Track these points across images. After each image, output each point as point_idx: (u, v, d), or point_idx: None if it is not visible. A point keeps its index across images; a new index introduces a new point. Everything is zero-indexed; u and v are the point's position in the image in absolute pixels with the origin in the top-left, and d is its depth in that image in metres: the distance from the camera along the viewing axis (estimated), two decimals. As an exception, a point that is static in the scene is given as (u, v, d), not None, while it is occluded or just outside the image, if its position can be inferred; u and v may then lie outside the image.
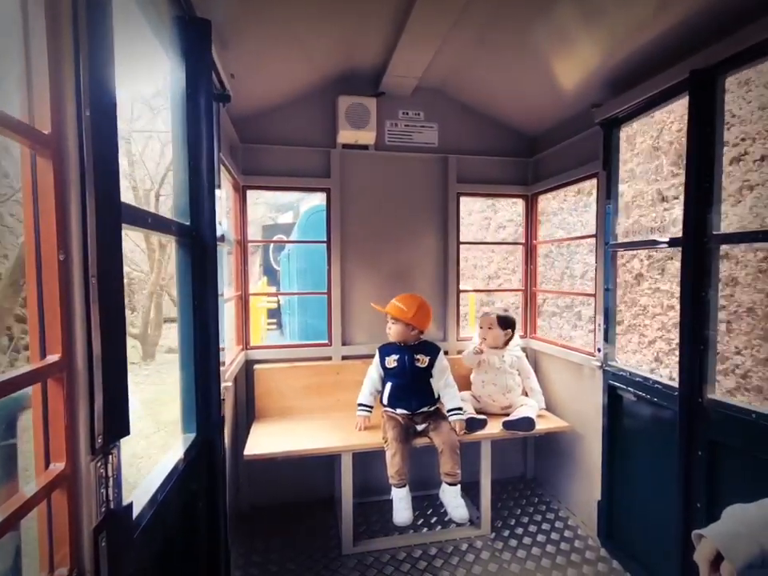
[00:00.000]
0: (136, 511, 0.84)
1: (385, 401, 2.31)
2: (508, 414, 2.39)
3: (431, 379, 2.33)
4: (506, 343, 2.53)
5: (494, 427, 2.31)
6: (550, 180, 2.67)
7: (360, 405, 2.35)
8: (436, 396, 2.33)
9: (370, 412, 2.33)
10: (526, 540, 2.32)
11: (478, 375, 2.52)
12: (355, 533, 2.27)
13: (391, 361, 2.32)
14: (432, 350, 2.37)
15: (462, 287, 2.91)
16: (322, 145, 2.62)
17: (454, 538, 2.34)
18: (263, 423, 2.45)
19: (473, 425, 2.27)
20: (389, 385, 2.32)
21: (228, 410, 2.27)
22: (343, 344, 2.69)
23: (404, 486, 2.09)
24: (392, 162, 2.72)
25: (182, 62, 1.36)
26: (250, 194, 2.63)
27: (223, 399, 1.68)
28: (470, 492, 2.52)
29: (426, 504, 2.65)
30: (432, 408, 2.32)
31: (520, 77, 2.28)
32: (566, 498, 2.62)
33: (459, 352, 2.82)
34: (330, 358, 2.69)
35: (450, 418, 2.29)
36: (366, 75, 2.50)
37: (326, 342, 2.72)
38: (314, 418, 2.49)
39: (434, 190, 2.79)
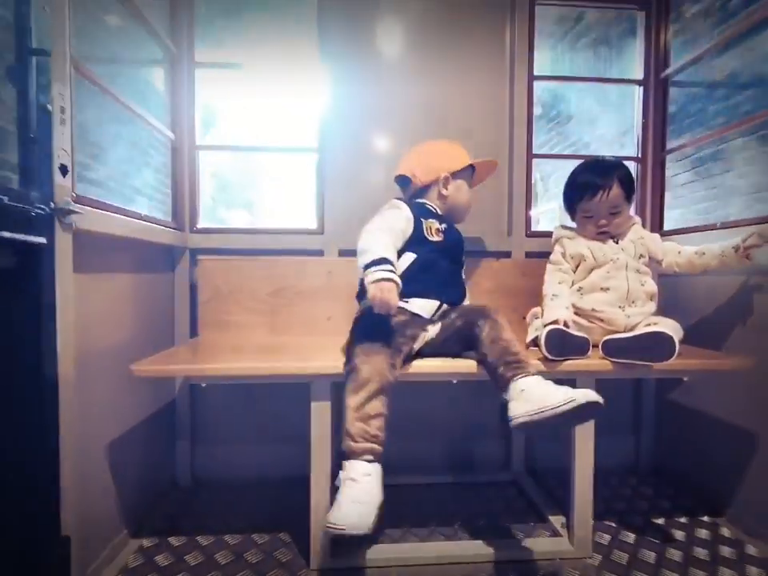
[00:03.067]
0: None
1: (401, 277, 1.12)
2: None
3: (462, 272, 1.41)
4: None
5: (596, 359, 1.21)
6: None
7: (376, 262, 1.06)
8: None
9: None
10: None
11: (568, 276, 1.40)
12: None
13: (434, 230, 1.30)
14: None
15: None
16: None
17: (523, 558, 1.26)
18: (204, 342, 1.52)
19: (559, 342, 1.17)
20: (412, 256, 1.25)
21: (134, 311, 1.34)
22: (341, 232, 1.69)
23: (377, 459, 1.00)
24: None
25: None
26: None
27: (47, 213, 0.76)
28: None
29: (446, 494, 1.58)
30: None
31: None
32: (734, 506, 1.44)
33: (529, 255, 1.74)
34: (321, 253, 1.70)
35: None
36: None
37: (316, 228, 1.74)
38: (286, 343, 1.50)
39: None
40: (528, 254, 1.74)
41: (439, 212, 1.36)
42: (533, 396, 0.97)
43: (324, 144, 1.69)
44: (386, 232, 1.17)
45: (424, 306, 1.22)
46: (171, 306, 1.64)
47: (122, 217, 1.21)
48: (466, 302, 1.34)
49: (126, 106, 1.32)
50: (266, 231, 1.71)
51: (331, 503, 0.97)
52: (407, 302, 1.21)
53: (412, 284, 1.19)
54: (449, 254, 1.32)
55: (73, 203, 0.96)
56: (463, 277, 1.39)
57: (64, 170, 0.95)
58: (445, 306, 1.24)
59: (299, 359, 1.20)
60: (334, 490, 0.99)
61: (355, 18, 1.68)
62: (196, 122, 1.68)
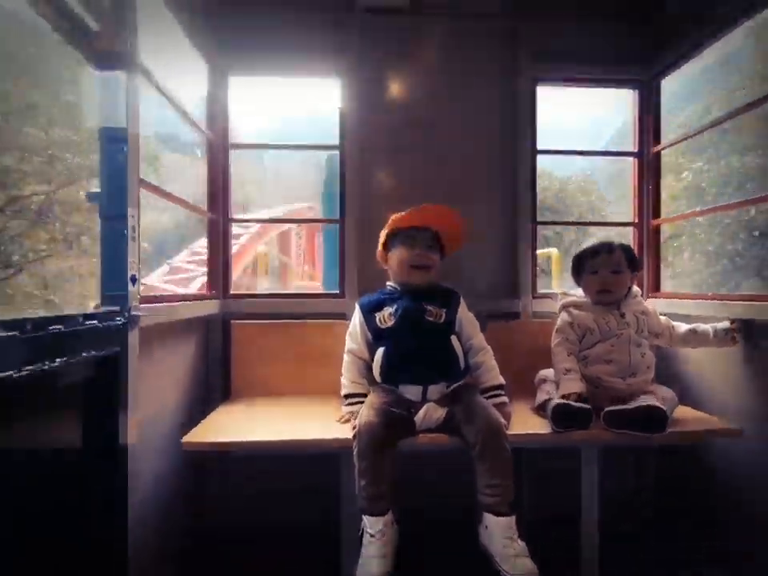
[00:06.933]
0: None
1: (378, 375, 1.40)
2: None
3: (452, 339, 1.40)
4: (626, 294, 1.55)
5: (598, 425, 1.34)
6: (689, 44, 1.68)
7: (348, 396, 1.46)
8: (462, 364, 1.40)
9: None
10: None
11: (575, 346, 1.51)
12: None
13: (386, 316, 1.43)
14: (449, 300, 1.47)
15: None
16: (335, 7, 1.83)
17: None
18: (238, 404, 1.65)
19: (565, 416, 1.31)
20: (381, 350, 1.40)
21: (175, 380, 1.49)
22: (362, 295, 1.83)
23: (383, 513, 1.17)
24: (436, 32, 1.88)
25: None
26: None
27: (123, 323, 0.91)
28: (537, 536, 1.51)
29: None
30: (457, 384, 1.38)
31: None
32: (730, 560, 1.54)
33: (536, 315, 1.88)
34: (342, 316, 1.85)
35: (491, 402, 1.36)
36: None
37: (337, 292, 1.88)
38: (315, 402, 1.63)
39: (499, 73, 1.90)
40: (535, 314, 1.87)
41: (397, 288, 1.50)
42: (492, 541, 1.15)
43: (345, 216, 1.84)
44: (350, 356, 1.51)
45: (409, 391, 1.35)
46: (206, 367, 1.78)
47: (173, 304, 1.37)
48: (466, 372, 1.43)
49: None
50: (291, 296, 1.87)
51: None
52: (397, 388, 1.37)
53: (393, 373, 1.38)
54: (408, 329, 1.39)
55: (139, 307, 1.11)
56: (452, 341, 1.39)
57: (134, 279, 1.10)
58: (433, 386, 1.34)
59: (329, 429, 1.33)
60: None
61: (371, 99, 1.85)
62: (232, 200, 1.85)
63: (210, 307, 1.72)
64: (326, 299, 1.88)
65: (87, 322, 0.90)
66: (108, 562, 1.01)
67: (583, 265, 1.55)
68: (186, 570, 1.53)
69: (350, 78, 1.83)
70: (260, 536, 1.73)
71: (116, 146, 1.07)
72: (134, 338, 1.09)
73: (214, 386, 1.79)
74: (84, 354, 0.89)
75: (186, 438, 1.26)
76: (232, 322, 1.76)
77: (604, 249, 1.51)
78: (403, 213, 1.46)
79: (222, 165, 1.82)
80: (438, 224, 1.48)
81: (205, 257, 1.88)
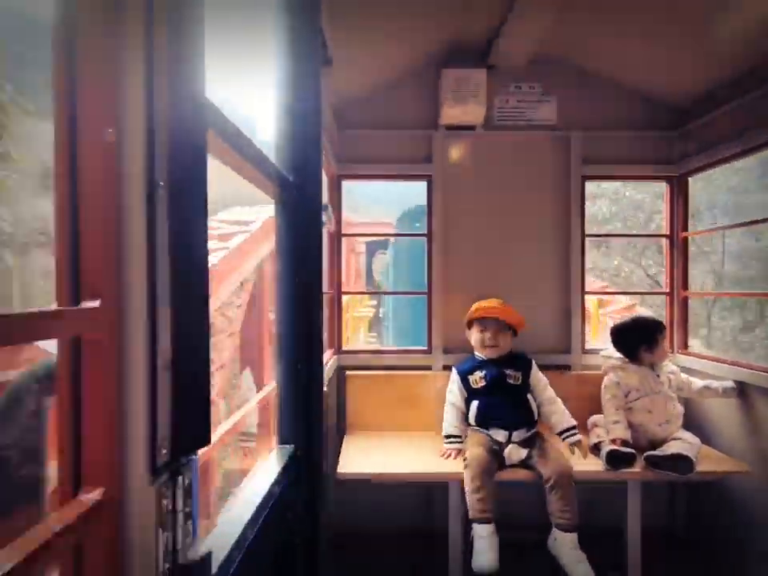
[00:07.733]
0: (215, 564, 0.56)
1: (472, 420, 1.93)
2: (655, 449, 1.84)
3: (528, 396, 1.93)
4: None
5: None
6: (709, 153, 2.12)
7: (448, 436, 1.96)
8: (536, 415, 1.91)
9: (462, 442, 1.93)
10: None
11: (621, 402, 1.97)
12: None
13: (477, 379, 1.96)
14: (523, 364, 2.00)
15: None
16: (423, 126, 2.33)
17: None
18: (355, 438, 2.16)
19: (616, 459, 1.76)
20: (476, 403, 1.92)
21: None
22: (445, 352, 2.33)
23: (489, 522, 1.65)
24: (502, 143, 2.36)
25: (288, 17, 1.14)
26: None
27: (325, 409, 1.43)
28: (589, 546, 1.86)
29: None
30: (533, 430, 1.88)
31: (660, 36, 1.90)
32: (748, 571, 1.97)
33: (584, 368, 2.33)
34: (429, 368, 2.34)
35: (569, 440, 1.85)
36: (472, 47, 2.19)
37: (425, 348, 2.38)
38: (411, 436, 2.14)
39: (553, 173, 2.37)
40: (583, 366, 2.33)
41: (484, 357, 2.00)
42: (560, 550, 1.64)
43: (432, 290, 2.34)
44: (450, 406, 1.99)
45: (498, 434, 1.85)
46: (327, 407, 2.30)
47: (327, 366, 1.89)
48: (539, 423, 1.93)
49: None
50: (390, 351, 2.37)
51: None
52: (489, 430, 1.86)
53: (485, 420, 1.88)
54: (496, 390, 1.91)
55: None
56: (528, 397, 1.91)
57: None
58: (515, 432, 1.83)
59: (438, 463, 1.83)
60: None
61: (452, 195, 2.34)
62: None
63: (333, 362, 2.24)
64: (416, 354, 2.38)
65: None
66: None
67: (654, 338, 1.96)
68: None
69: (435, 181, 2.33)
70: (374, 540, 2.24)
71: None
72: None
73: (331, 422, 2.31)
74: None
75: (340, 470, 1.78)
76: (346, 372, 2.28)
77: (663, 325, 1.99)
78: (478, 306, 2.02)
79: (336, 251, 2.35)
80: (500, 315, 2.00)
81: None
